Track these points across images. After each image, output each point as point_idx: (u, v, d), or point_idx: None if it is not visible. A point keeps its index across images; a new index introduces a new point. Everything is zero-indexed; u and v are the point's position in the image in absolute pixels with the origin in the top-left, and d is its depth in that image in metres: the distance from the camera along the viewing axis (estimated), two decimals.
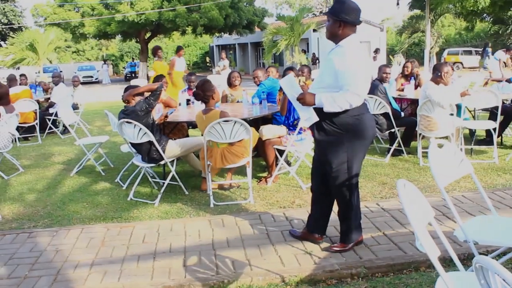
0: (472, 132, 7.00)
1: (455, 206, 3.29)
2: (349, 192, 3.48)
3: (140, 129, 4.70)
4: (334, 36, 3.35)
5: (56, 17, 27.07)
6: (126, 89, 5.10)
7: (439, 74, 5.78)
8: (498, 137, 6.50)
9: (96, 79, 35.65)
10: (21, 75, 10.40)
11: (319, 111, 3.33)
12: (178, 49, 11.47)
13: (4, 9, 39.20)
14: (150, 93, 4.92)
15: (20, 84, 9.82)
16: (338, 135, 3.35)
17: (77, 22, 26.97)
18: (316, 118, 3.36)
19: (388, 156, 6.33)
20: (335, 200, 3.62)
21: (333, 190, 3.53)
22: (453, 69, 7.98)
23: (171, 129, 6.16)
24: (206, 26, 27.12)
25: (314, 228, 3.74)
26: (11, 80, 9.75)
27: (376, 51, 18.90)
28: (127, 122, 4.73)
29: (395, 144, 6.36)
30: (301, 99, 3.37)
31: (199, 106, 6.84)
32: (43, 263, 3.60)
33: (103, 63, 39.02)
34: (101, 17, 26.09)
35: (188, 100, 6.97)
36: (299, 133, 5.37)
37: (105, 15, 26.10)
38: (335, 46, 3.36)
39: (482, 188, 3.05)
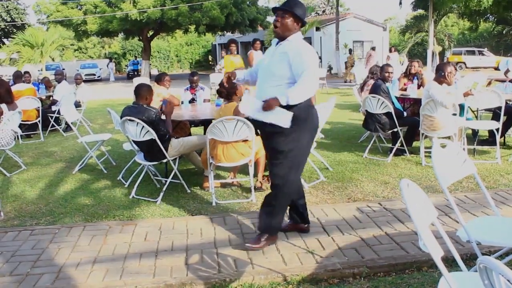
0: (475, 132, 6.98)
1: (457, 206, 3.28)
2: (289, 184, 3.55)
3: (143, 127, 4.70)
4: (287, 31, 3.48)
5: (59, 15, 27.11)
6: (139, 87, 4.99)
7: (443, 74, 5.76)
8: (501, 137, 6.48)
9: (99, 77, 35.67)
10: (25, 73, 10.39)
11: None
12: (254, 42, 10.49)
13: (7, 6, 39.25)
14: (163, 116, 4.99)
15: (24, 82, 9.83)
16: (289, 128, 3.42)
17: (79, 20, 26.99)
18: (289, 113, 3.39)
19: (390, 155, 6.32)
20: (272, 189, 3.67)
21: (275, 179, 3.60)
22: (456, 69, 7.97)
23: (174, 127, 6.16)
24: (208, 25, 27.12)
25: (296, 219, 3.89)
26: (17, 77, 9.76)
27: (391, 49, 18.95)
28: (129, 120, 4.73)
29: (398, 144, 6.35)
30: (267, 107, 3.40)
31: (202, 104, 6.87)
32: (45, 261, 3.60)
33: (109, 61, 39.05)
34: (103, 14, 26.10)
35: (192, 99, 6.97)
36: None
37: (108, 13, 26.11)
38: (284, 40, 3.50)
39: (485, 188, 3.04)
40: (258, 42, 10.32)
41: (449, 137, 5.95)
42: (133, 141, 5.01)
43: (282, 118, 3.40)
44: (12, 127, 6.36)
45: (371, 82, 7.47)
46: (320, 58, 27.34)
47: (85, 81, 18.47)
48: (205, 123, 5.88)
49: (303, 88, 3.36)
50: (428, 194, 4.44)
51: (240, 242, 3.78)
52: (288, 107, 3.37)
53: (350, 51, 24.21)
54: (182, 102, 6.74)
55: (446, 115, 5.76)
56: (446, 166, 2.79)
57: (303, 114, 3.43)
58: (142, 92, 4.88)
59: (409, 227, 3.93)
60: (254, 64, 10.33)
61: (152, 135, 4.72)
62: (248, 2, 29.72)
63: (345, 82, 21.87)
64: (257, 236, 3.68)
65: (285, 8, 3.45)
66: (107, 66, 37.37)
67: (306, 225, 3.93)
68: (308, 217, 3.95)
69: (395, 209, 4.38)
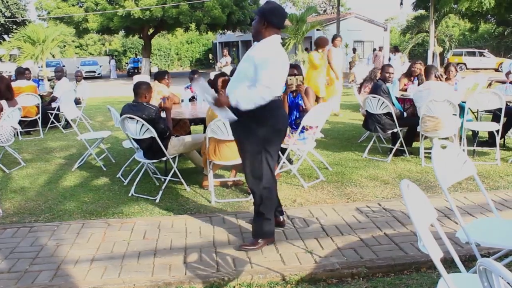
0: (475, 134, 6.98)
1: (457, 207, 3.28)
2: (264, 186, 3.59)
3: (143, 125, 4.69)
4: (258, 34, 3.55)
5: (59, 12, 27.06)
6: (138, 85, 4.97)
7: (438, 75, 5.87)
8: (501, 139, 6.48)
9: (99, 74, 35.63)
10: (26, 69, 10.38)
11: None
12: (334, 38, 10.19)
13: (7, 2, 39.16)
14: (164, 113, 4.97)
15: (25, 79, 9.81)
16: (253, 129, 3.50)
17: (80, 17, 26.95)
18: (233, 116, 3.47)
19: (390, 156, 6.32)
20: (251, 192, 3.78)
21: (248, 183, 3.71)
22: (456, 70, 7.96)
23: (174, 126, 6.15)
24: (209, 23, 27.09)
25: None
26: (19, 73, 9.74)
27: (396, 49, 18.93)
28: (129, 117, 4.73)
29: (397, 144, 6.35)
30: (217, 102, 3.49)
31: (202, 103, 6.85)
32: (44, 258, 3.59)
33: (111, 58, 39.00)
34: (104, 11, 26.06)
35: (192, 98, 6.97)
36: (302, 132, 5.36)
37: (109, 10, 26.06)
38: (257, 43, 3.58)
39: (485, 190, 3.04)
40: (338, 38, 10.09)
41: (447, 138, 5.95)
42: (132, 139, 5.01)
43: (223, 115, 3.56)
44: (11, 124, 6.35)
45: (370, 84, 7.50)
46: None
47: (85, 78, 18.44)
48: (205, 121, 5.86)
49: (251, 98, 3.40)
50: (428, 195, 4.44)
51: (239, 241, 3.78)
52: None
53: (354, 50, 24.17)
54: (182, 101, 6.73)
55: (448, 115, 5.76)
56: (446, 167, 2.79)
57: (267, 113, 3.47)
58: (141, 90, 4.86)
59: (408, 228, 3.93)
60: (335, 62, 10.20)
61: (152, 133, 4.72)
62: (249, 1, 29.68)
63: (351, 82, 21.76)
64: (254, 238, 3.69)
65: (257, 11, 3.56)
66: (109, 63, 37.34)
67: (282, 219, 4.01)
68: (282, 209, 4.07)
69: (395, 210, 4.38)
